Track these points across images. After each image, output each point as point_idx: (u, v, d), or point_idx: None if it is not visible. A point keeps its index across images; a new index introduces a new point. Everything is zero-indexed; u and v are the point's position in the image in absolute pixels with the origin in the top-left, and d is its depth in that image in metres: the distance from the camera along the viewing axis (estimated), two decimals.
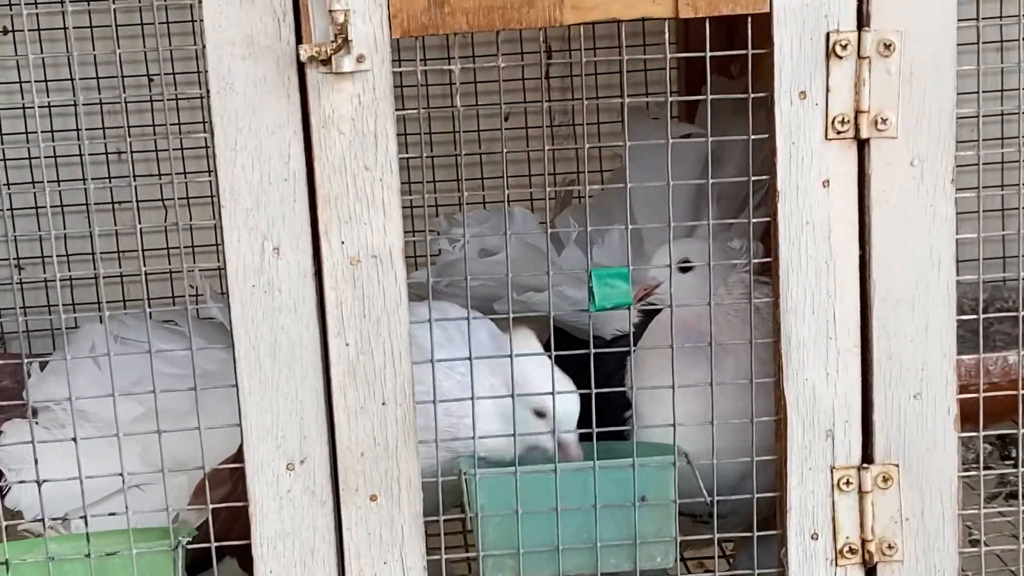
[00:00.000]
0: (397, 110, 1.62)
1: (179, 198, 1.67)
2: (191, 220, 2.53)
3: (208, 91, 1.61)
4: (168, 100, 1.66)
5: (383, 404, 1.68)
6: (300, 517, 1.70)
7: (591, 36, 2.80)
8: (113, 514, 1.76)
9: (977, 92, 1.73)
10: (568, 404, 1.79)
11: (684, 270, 1.92)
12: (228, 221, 1.63)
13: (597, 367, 1.73)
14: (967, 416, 1.77)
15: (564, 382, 1.80)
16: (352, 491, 1.69)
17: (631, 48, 1.72)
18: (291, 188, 1.63)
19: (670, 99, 1.69)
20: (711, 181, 1.72)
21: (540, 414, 1.81)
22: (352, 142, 1.62)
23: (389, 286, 1.65)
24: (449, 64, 1.62)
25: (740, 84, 2.11)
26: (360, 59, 1.59)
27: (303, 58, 1.57)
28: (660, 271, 1.92)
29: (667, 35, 1.67)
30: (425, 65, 2.55)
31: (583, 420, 1.74)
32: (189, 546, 1.75)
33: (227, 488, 1.84)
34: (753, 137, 1.67)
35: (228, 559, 1.81)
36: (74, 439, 1.69)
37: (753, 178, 1.69)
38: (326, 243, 1.64)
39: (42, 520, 1.70)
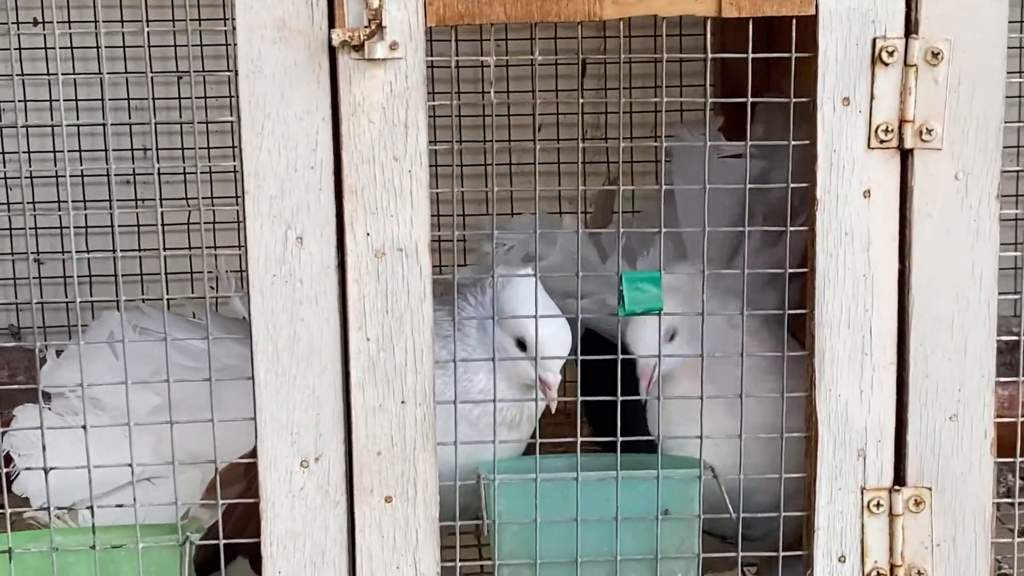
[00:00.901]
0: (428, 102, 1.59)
1: (203, 197, 1.63)
2: (215, 220, 2.50)
3: (236, 74, 1.57)
4: (197, 98, 1.62)
5: (402, 403, 1.63)
6: (312, 517, 1.65)
7: (628, 48, 2.77)
8: (121, 506, 1.72)
9: (1020, 119, 1.68)
10: (550, 329, 1.74)
11: (672, 339, 1.85)
12: (251, 208, 1.59)
13: (629, 376, 1.68)
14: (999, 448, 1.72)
15: (555, 324, 1.75)
16: (367, 492, 1.65)
17: (668, 63, 1.68)
18: (317, 176, 1.59)
19: (709, 99, 1.64)
20: (750, 186, 1.67)
21: (521, 344, 1.76)
22: (382, 131, 1.58)
23: (414, 281, 1.61)
24: (482, 56, 1.58)
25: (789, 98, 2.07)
26: (393, 46, 1.55)
27: (335, 43, 1.53)
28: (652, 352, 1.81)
29: (707, 35, 1.62)
30: (458, 62, 2.54)
31: (608, 427, 1.68)
32: (200, 542, 1.70)
33: (242, 486, 1.79)
34: (794, 143, 1.63)
35: (240, 559, 1.77)
36: (84, 427, 1.65)
37: (794, 185, 1.64)
38: (351, 234, 1.60)
39: (47, 508, 1.66)
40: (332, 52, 1.56)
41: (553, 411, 1.77)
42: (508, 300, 1.74)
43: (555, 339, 1.73)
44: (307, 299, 1.61)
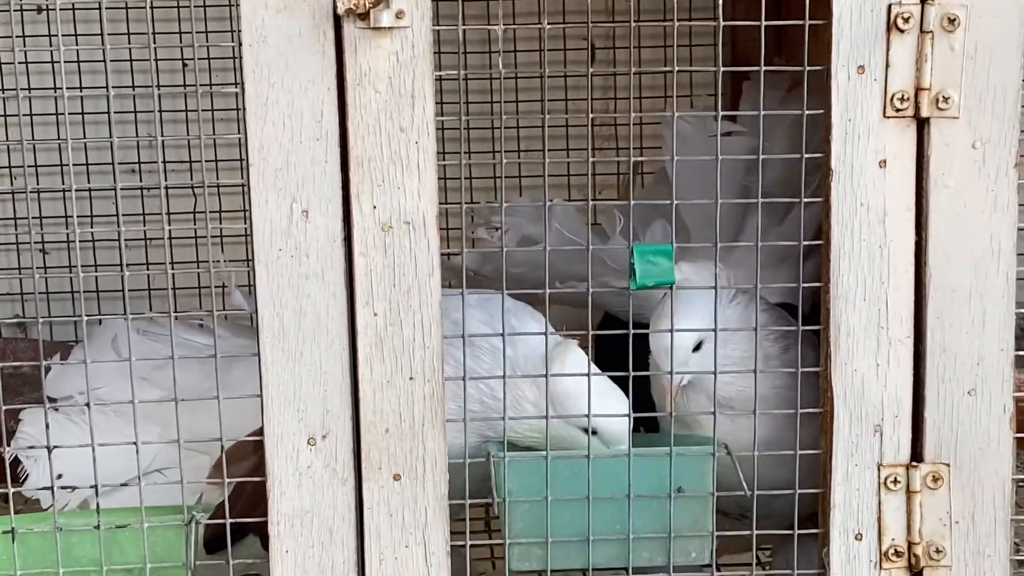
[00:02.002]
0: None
1: (209, 185, 1.60)
2: (220, 208, 2.48)
3: (240, 45, 1.54)
4: (202, 86, 1.60)
5: (410, 379, 1.60)
6: (320, 495, 1.62)
7: (636, 34, 2.75)
8: (126, 484, 1.70)
9: None
10: (619, 425, 1.69)
11: (697, 349, 1.81)
12: (256, 181, 1.57)
13: (643, 358, 1.66)
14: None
15: (615, 398, 1.70)
16: (375, 469, 1.62)
17: (678, 47, 1.65)
18: (323, 148, 1.56)
19: (720, 68, 1.61)
20: (762, 156, 1.64)
21: (587, 431, 1.71)
22: (388, 102, 1.55)
23: (421, 254, 1.58)
24: (490, 24, 1.55)
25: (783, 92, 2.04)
26: (399, 15, 1.53)
27: (340, 11, 1.51)
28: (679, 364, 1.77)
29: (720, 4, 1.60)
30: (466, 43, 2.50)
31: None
32: (209, 521, 1.68)
33: (250, 463, 1.77)
34: (808, 111, 1.60)
35: (251, 537, 1.74)
36: (87, 404, 1.62)
37: (796, 156, 1.61)
38: (357, 207, 1.57)
39: (51, 488, 1.63)
40: (337, 21, 1.54)
41: None
42: (566, 389, 1.67)
43: (622, 435, 1.68)
44: (313, 274, 1.58)
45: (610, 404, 1.68)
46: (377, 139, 1.56)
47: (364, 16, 1.52)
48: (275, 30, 1.54)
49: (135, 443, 1.62)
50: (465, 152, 1.60)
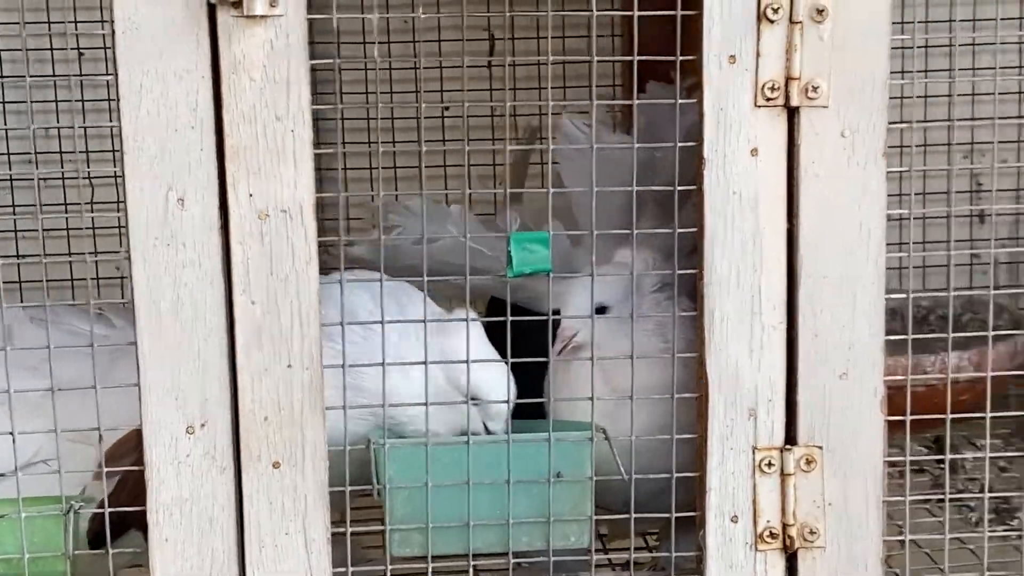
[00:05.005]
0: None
1: (83, 176, 1.59)
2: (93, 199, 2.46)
3: (113, 33, 1.54)
4: (73, 76, 1.60)
5: (288, 367, 1.61)
6: (199, 483, 1.62)
7: (535, 26, 2.76)
8: (3, 475, 1.68)
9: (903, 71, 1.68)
10: (503, 392, 1.72)
11: (600, 311, 1.84)
12: (131, 169, 1.57)
13: (527, 345, 1.67)
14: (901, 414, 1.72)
15: (500, 369, 1.73)
16: (254, 458, 1.62)
17: (576, 38, 1.66)
18: (198, 136, 1.56)
19: (595, 58, 1.63)
20: (645, 145, 1.66)
21: (474, 400, 1.74)
22: (263, 90, 1.56)
23: (298, 243, 1.59)
24: (364, 14, 1.56)
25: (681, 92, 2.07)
26: (273, 3, 1.53)
27: None
28: (576, 319, 1.84)
29: None
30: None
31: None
32: (90, 510, 1.68)
33: (134, 458, 1.76)
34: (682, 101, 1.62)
35: (134, 532, 1.74)
36: None
37: (682, 144, 1.64)
38: (233, 196, 1.58)
39: None
40: (212, 10, 1.54)
41: None
42: (452, 351, 1.70)
43: (503, 391, 1.72)
44: (190, 262, 1.59)
45: (494, 375, 1.71)
46: (253, 128, 1.57)
47: (238, 4, 1.52)
48: (148, 18, 1.54)
49: (11, 433, 1.61)
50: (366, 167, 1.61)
